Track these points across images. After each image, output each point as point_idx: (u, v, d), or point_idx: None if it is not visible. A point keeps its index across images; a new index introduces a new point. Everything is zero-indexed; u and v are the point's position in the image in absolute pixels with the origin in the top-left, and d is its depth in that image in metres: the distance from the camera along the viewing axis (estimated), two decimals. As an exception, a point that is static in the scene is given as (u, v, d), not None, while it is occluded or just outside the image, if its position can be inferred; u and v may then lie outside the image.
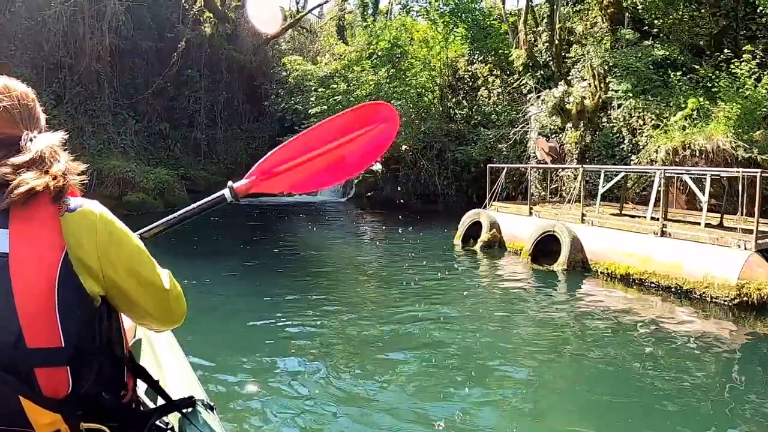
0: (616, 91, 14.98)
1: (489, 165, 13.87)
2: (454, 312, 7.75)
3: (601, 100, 15.24)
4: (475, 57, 22.94)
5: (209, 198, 1.77)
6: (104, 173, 19.44)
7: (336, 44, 25.67)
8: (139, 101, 22.42)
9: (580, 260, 9.98)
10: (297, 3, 28.13)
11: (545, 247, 10.64)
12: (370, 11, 28.88)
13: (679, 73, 13.81)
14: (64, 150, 1.24)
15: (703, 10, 17.61)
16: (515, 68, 18.65)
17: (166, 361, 1.98)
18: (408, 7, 21.83)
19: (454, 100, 22.76)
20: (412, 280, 9.47)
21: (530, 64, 17.91)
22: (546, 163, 14.20)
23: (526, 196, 13.90)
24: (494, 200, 13.16)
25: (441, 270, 10.33)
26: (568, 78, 17.17)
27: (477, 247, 11.63)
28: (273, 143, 25.65)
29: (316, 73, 19.88)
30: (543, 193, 17.06)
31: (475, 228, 12.31)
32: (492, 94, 21.97)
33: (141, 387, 1.52)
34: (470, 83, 23.36)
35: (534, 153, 17.13)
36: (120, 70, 21.72)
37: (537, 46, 18.34)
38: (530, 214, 11.80)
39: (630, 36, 15.38)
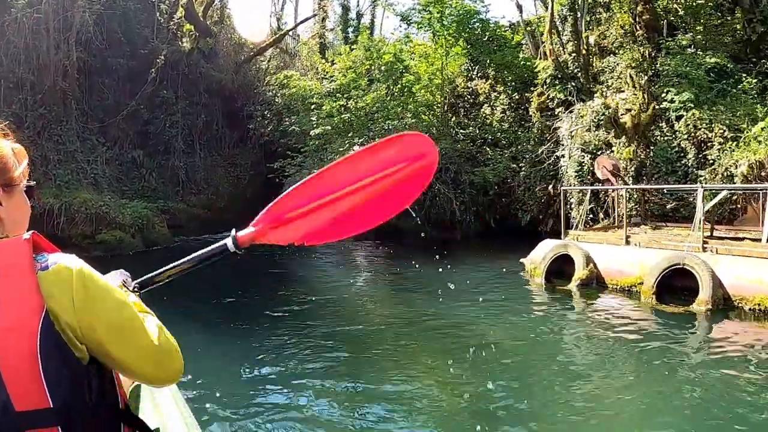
0: (672, 102, 13.64)
1: (563, 188, 12.18)
2: (568, 381, 5.91)
3: (654, 111, 13.86)
4: (475, 72, 21.51)
5: (210, 248, 1.54)
6: (74, 208, 16.68)
7: (320, 63, 23.79)
8: (109, 125, 19.70)
9: (721, 297, 8.29)
10: (278, 20, 26.11)
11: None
12: (351, 29, 27.27)
13: (753, 81, 12.60)
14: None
15: (729, 17, 16.78)
16: (539, 81, 17.15)
17: (166, 407, 1.93)
18: (408, 19, 20.11)
19: (454, 119, 21.17)
20: (495, 336, 7.53)
21: (558, 76, 16.44)
22: (610, 182, 12.64)
23: (564, 221, 12.33)
24: (572, 228, 11.42)
25: (533, 320, 8.42)
26: (602, 89, 15.84)
27: (572, 287, 9.73)
28: (257, 170, 23.32)
29: (318, 89, 17.68)
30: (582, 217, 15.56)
31: (556, 262, 10.49)
32: (496, 111, 20.53)
33: None
34: (470, 100, 21.88)
35: (570, 172, 15.55)
36: (88, 91, 19.01)
37: (562, 56, 16.94)
38: (627, 243, 10.07)
39: (686, 41, 14.15)
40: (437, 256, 13.47)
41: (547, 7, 17.50)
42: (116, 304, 1.14)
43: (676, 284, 8.84)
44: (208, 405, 5.13)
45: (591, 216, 15.26)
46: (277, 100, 21.42)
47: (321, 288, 11.43)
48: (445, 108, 20.79)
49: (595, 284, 9.77)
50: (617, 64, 16.67)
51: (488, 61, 20.46)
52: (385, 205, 1.58)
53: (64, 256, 1.13)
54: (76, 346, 1.09)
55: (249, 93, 23.06)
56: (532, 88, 19.00)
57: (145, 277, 1.54)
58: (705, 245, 9.08)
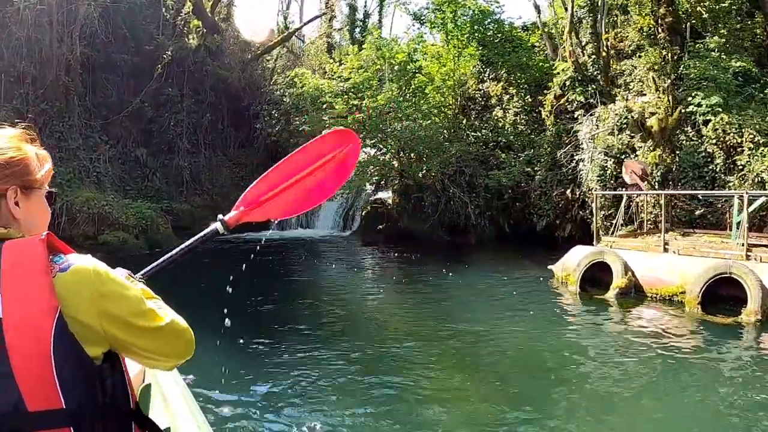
0: (699, 106, 13.26)
1: (596, 192, 11.70)
2: (612, 397, 5.56)
3: (681, 115, 13.47)
4: (487, 74, 21.08)
5: (203, 232, 1.77)
6: (76, 207, 16.17)
7: (328, 62, 23.32)
8: (112, 123, 19.15)
9: (769, 307, 7.86)
10: (285, 18, 25.63)
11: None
12: (358, 30, 26.87)
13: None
14: None
15: (750, 21, 16.44)
16: (557, 82, 16.75)
17: (176, 407, 1.94)
18: (421, 18, 19.68)
19: (465, 121, 20.73)
20: (530, 348, 7.08)
21: (579, 78, 16.04)
22: (638, 187, 12.22)
23: (596, 226, 11.89)
24: (603, 234, 10.98)
25: (570, 332, 7.94)
26: (621, 92, 15.47)
27: (610, 296, 9.27)
28: (262, 171, 22.74)
29: (331, 88, 17.14)
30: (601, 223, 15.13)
31: (589, 270, 10.01)
32: (509, 114, 20.08)
33: None
34: (482, 102, 21.46)
35: (592, 176, 15.12)
36: (92, 87, 18.46)
37: (581, 58, 16.54)
38: (665, 250, 9.64)
39: (714, 44, 13.78)
40: (467, 265, 12.98)
41: (566, 9, 17.12)
42: (133, 299, 1.17)
43: (720, 293, 8.41)
44: (218, 405, 5.06)
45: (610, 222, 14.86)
46: (285, 100, 20.90)
47: (340, 295, 10.93)
48: (456, 110, 20.35)
49: (634, 293, 9.31)
50: (635, 67, 16.34)
51: (501, 63, 20.04)
52: (330, 183, 1.94)
53: (80, 257, 1.15)
54: (90, 347, 1.10)
55: (255, 92, 22.55)
56: (545, 91, 18.64)
57: (145, 269, 1.64)
58: (749, 253, 8.67)
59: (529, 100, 19.54)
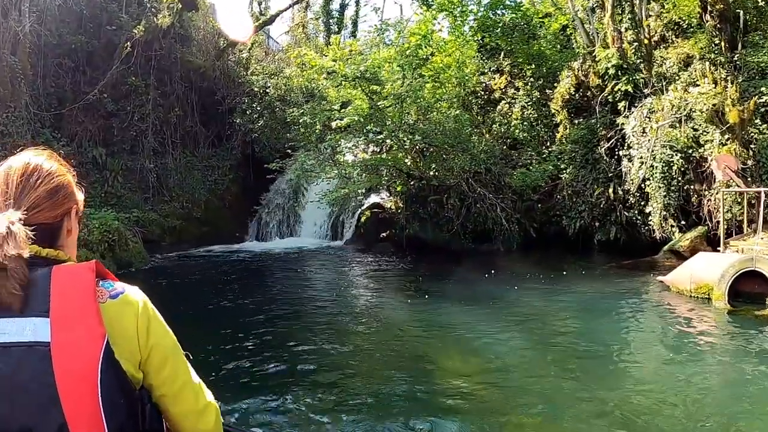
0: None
1: (723, 190, 9.92)
2: None
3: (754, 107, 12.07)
4: (487, 66, 19.30)
5: None
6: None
7: (306, 52, 20.86)
8: (64, 117, 15.89)
9: None
10: (260, 5, 22.89)
11: None
12: (334, 21, 24.61)
13: None
14: None
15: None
16: (598, 71, 15.09)
17: None
18: (428, 2, 17.62)
19: (467, 116, 18.85)
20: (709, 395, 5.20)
21: (623, 67, 14.44)
22: (734, 184, 10.65)
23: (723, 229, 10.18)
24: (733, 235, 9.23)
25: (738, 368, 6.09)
26: (675, 83, 14.01)
27: (771, 312, 7.47)
28: (237, 173, 19.98)
29: (342, 71, 14.51)
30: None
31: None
32: (514, 108, 18.32)
33: None
34: (485, 97, 19.65)
35: (655, 174, 13.52)
36: (41, 72, 15.17)
37: (623, 44, 14.97)
38: (828, 255, 7.97)
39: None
40: (530, 277, 10.93)
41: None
42: (171, 340, 1.21)
43: None
44: (245, 422, 4.79)
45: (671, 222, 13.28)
46: (269, 91, 18.23)
47: (399, 323, 8.57)
48: (466, 103, 18.41)
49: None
50: (666, 58, 15.06)
51: (510, 51, 18.27)
52: None
53: (129, 287, 1.19)
54: (133, 374, 1.12)
55: (230, 83, 19.70)
56: (555, 84, 17.09)
57: None
58: None
59: (537, 94, 17.93)
